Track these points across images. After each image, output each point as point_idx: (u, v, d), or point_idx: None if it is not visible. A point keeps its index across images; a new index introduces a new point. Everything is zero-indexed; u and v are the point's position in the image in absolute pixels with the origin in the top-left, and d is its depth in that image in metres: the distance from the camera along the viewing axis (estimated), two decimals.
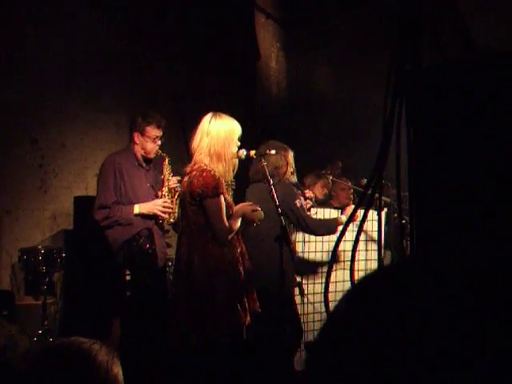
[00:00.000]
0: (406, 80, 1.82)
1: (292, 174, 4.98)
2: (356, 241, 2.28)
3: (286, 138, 5.37)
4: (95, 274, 5.54)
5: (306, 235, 5.26)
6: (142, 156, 5.00)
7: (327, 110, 8.79)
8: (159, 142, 4.99)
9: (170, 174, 4.92)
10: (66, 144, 6.23)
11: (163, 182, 4.92)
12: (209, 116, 4.10)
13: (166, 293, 4.78)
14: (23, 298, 5.54)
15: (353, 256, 2.32)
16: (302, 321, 5.23)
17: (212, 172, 3.95)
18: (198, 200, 3.95)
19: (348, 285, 4.85)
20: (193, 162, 4.09)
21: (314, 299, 5.36)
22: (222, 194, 3.96)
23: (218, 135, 4.01)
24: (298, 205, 4.79)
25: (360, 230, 2.38)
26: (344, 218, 4.93)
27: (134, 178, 4.94)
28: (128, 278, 5.42)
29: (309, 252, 5.38)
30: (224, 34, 8.11)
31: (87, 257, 5.64)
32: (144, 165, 5.02)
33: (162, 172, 4.98)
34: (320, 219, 5.20)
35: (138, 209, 4.85)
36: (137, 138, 4.94)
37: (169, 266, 5.27)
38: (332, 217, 5.33)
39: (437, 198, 1.78)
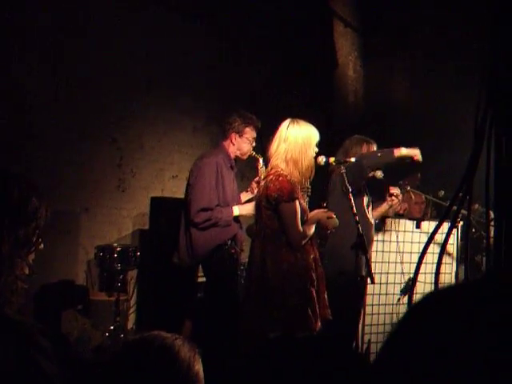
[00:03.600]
0: (499, 89, 1.76)
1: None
2: (440, 256, 2.23)
3: None
4: (168, 274, 5.60)
5: (381, 235, 5.12)
6: (236, 157, 4.99)
7: (405, 119, 8.65)
8: (254, 144, 4.97)
9: (264, 174, 4.76)
10: (144, 145, 6.34)
11: (259, 182, 4.77)
12: (287, 122, 4.11)
13: (238, 296, 4.76)
14: (97, 293, 5.65)
15: (437, 269, 2.28)
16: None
17: (288, 177, 3.95)
18: (273, 204, 3.96)
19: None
20: (269, 167, 4.11)
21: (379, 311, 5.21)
22: (297, 199, 3.95)
23: (296, 141, 4.01)
24: (370, 174, 4.70)
25: (444, 246, 2.33)
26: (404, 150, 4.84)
27: (226, 180, 4.91)
28: (199, 279, 5.48)
29: (383, 252, 5.19)
30: (302, 42, 8.11)
31: (161, 257, 5.72)
32: (234, 167, 5.03)
33: (256, 173, 4.93)
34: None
35: (237, 211, 4.83)
36: (234, 138, 4.91)
37: (240, 270, 5.27)
38: (407, 229, 5.25)
39: None
